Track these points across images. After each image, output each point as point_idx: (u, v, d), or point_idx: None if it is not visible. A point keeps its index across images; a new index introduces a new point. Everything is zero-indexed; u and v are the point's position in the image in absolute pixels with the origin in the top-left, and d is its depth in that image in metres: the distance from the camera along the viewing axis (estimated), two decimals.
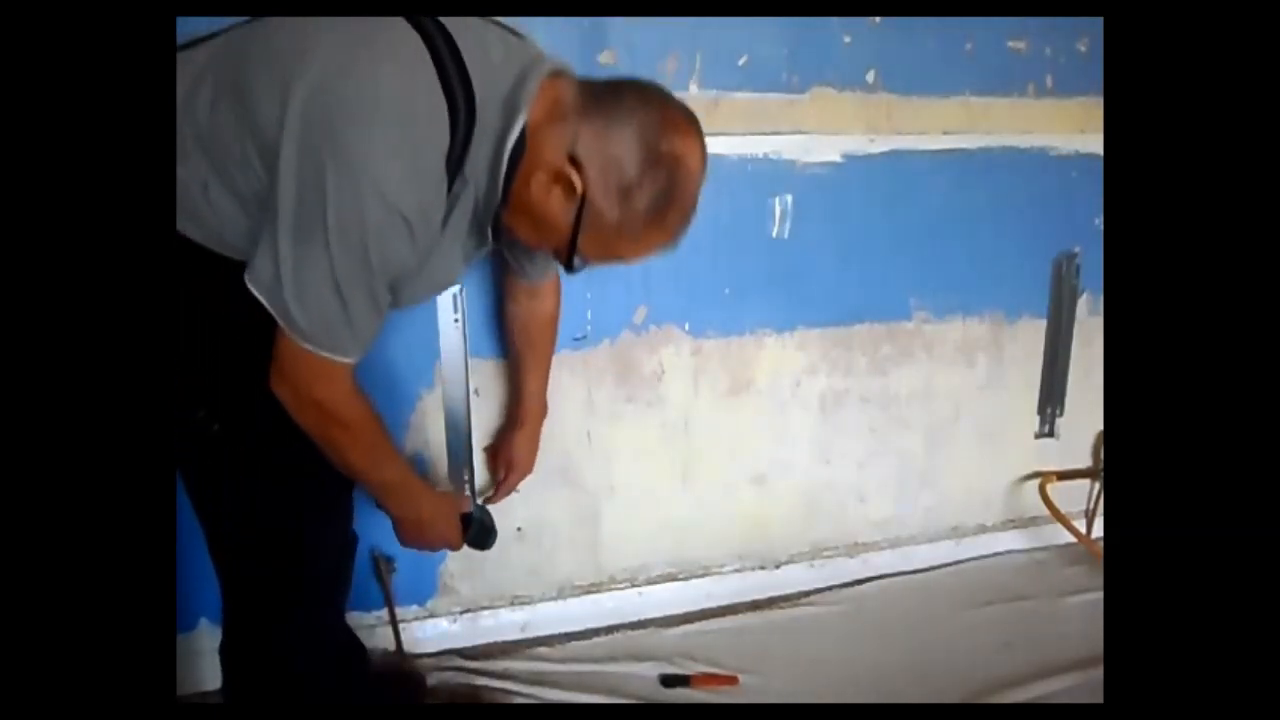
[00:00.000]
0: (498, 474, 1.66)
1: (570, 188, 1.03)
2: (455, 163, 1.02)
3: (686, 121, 1.06)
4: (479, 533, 1.48)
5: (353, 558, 1.36)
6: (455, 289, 1.60)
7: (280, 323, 1.02)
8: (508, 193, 1.07)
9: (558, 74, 1.08)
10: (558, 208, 1.05)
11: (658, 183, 1.03)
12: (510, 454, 1.63)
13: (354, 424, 1.13)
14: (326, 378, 1.06)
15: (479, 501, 1.56)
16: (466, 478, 1.71)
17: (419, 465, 1.69)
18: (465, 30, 1.04)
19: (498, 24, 1.12)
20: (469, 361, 1.66)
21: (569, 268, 1.09)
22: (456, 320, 1.63)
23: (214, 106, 1.01)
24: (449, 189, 1.03)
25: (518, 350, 1.58)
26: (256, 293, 1.01)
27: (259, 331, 1.03)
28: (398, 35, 1.00)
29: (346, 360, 1.06)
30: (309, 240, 0.97)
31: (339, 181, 0.94)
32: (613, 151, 1.02)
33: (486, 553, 1.61)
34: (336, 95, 0.95)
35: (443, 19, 1.03)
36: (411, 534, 1.36)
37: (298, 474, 1.17)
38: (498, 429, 1.71)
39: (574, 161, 1.02)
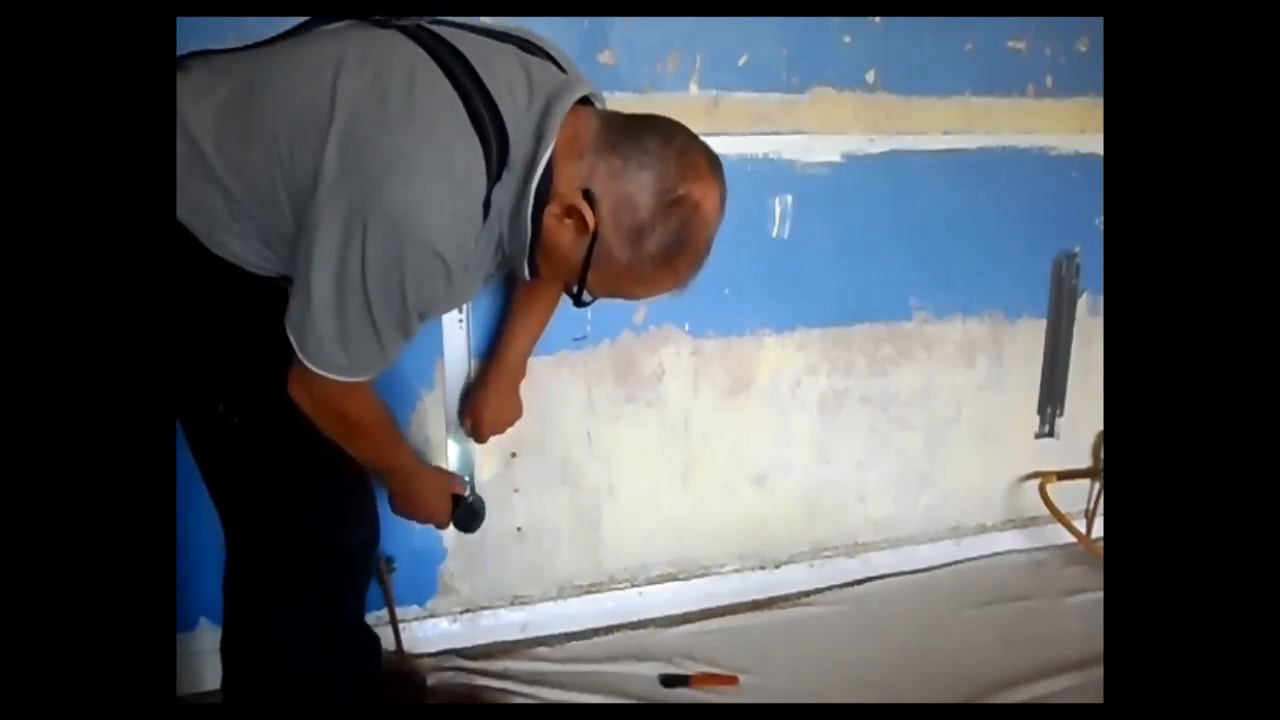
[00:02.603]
0: (464, 426, 1.64)
1: (582, 223, 1.02)
2: (487, 199, 1.02)
3: (708, 166, 1.04)
4: (465, 515, 1.52)
5: (373, 553, 1.37)
6: None
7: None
8: (538, 225, 1.05)
9: (585, 100, 1.08)
10: (568, 241, 1.04)
11: (670, 227, 1.01)
12: (481, 412, 1.60)
13: (372, 427, 1.18)
14: (350, 393, 1.09)
15: (473, 490, 1.57)
16: (467, 478, 1.71)
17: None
18: (488, 63, 1.03)
19: (517, 42, 1.11)
20: (472, 361, 1.66)
21: (577, 302, 1.09)
22: (461, 321, 1.63)
23: (245, 145, 1.02)
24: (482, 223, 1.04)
25: (515, 306, 1.54)
26: (293, 338, 1.03)
27: (275, 328, 1.05)
28: (426, 77, 1.00)
29: (371, 377, 1.09)
30: (348, 288, 0.99)
31: (381, 232, 0.96)
32: (627, 191, 1.00)
33: (487, 553, 1.61)
34: (372, 150, 0.96)
35: (461, 49, 1.03)
36: (404, 506, 1.44)
37: (317, 467, 1.19)
38: (469, 386, 1.67)
39: (588, 197, 1.01)
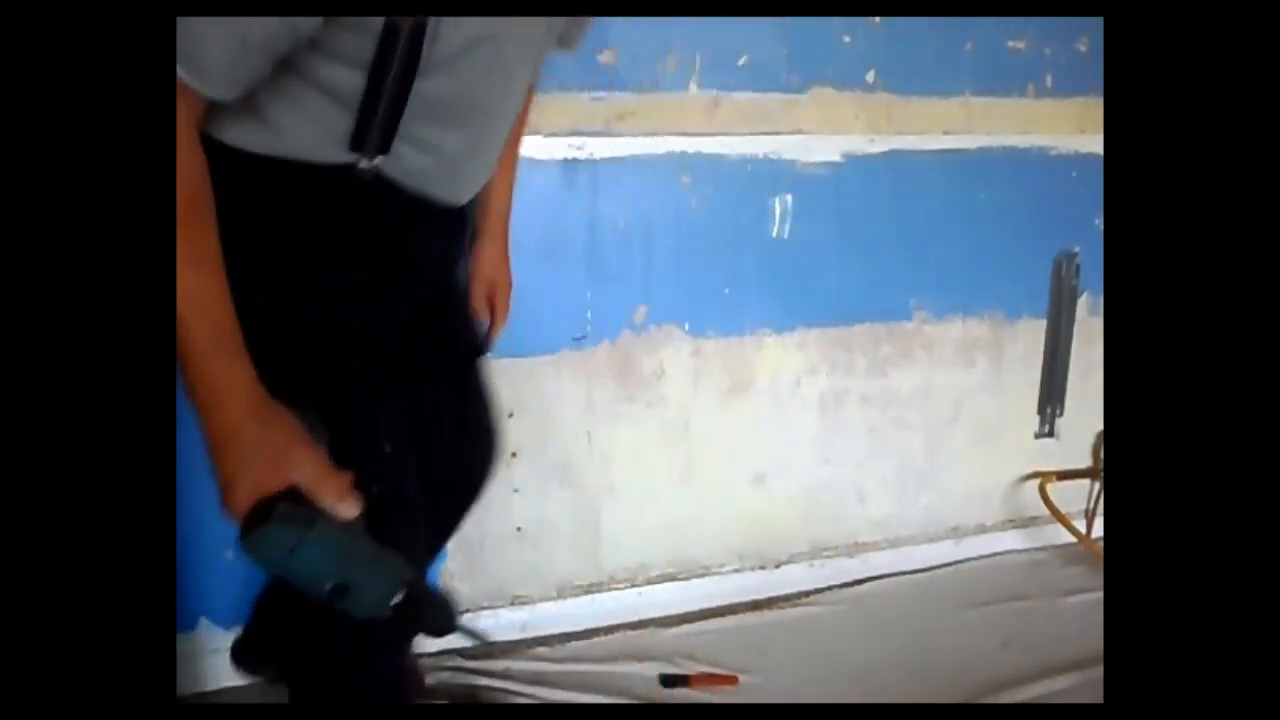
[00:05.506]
0: (482, 307, 1.45)
1: None
2: None
3: None
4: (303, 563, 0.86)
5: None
6: None
7: None
8: None
9: None
10: None
11: None
12: (486, 270, 1.43)
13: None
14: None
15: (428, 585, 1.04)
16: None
17: None
18: None
19: None
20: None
21: None
22: None
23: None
24: None
25: None
26: None
27: (281, 320, 1.01)
28: None
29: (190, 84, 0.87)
30: None
31: None
32: None
33: (487, 553, 1.60)
34: None
35: None
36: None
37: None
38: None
39: None
